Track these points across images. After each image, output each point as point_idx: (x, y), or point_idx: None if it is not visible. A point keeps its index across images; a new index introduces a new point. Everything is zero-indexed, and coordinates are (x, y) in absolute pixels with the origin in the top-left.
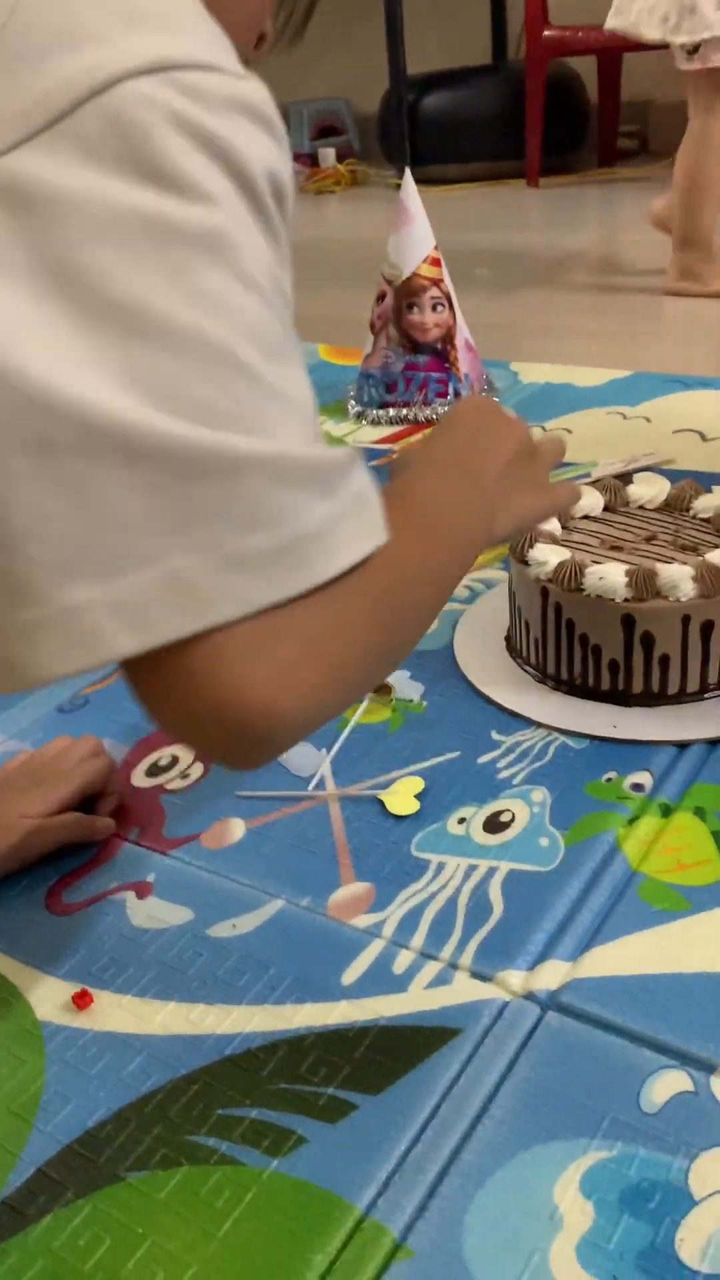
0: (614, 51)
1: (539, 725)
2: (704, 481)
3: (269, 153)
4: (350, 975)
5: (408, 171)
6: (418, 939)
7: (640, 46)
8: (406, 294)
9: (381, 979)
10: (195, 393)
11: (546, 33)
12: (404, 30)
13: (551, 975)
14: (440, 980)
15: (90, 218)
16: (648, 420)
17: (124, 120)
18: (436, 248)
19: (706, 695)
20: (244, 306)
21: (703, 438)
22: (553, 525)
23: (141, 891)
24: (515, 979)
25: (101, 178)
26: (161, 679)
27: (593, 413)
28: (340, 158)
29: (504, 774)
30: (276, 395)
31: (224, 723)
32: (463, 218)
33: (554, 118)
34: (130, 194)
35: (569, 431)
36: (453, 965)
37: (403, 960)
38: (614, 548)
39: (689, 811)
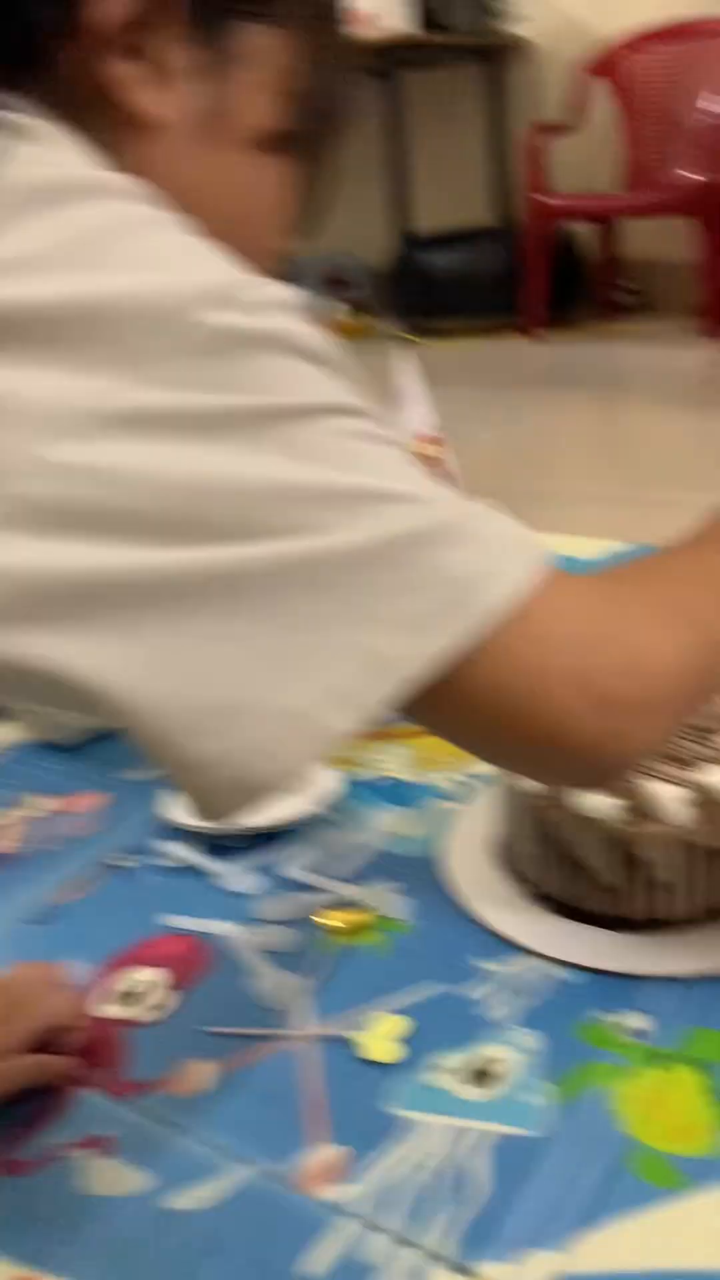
0: (618, 214)
1: (530, 953)
2: None
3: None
4: (318, 1263)
5: (406, 358)
6: (395, 1220)
7: (647, 210)
8: None
9: (351, 1271)
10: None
11: (550, 200)
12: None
13: (539, 1270)
14: (414, 1276)
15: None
16: None
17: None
18: (439, 429)
19: (710, 922)
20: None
21: None
22: None
23: (99, 1148)
24: (499, 1274)
25: None
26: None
27: None
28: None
29: (494, 1013)
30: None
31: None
32: (465, 373)
33: (554, 275)
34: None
35: None
36: (434, 1256)
37: (376, 1248)
38: None
39: (687, 1064)
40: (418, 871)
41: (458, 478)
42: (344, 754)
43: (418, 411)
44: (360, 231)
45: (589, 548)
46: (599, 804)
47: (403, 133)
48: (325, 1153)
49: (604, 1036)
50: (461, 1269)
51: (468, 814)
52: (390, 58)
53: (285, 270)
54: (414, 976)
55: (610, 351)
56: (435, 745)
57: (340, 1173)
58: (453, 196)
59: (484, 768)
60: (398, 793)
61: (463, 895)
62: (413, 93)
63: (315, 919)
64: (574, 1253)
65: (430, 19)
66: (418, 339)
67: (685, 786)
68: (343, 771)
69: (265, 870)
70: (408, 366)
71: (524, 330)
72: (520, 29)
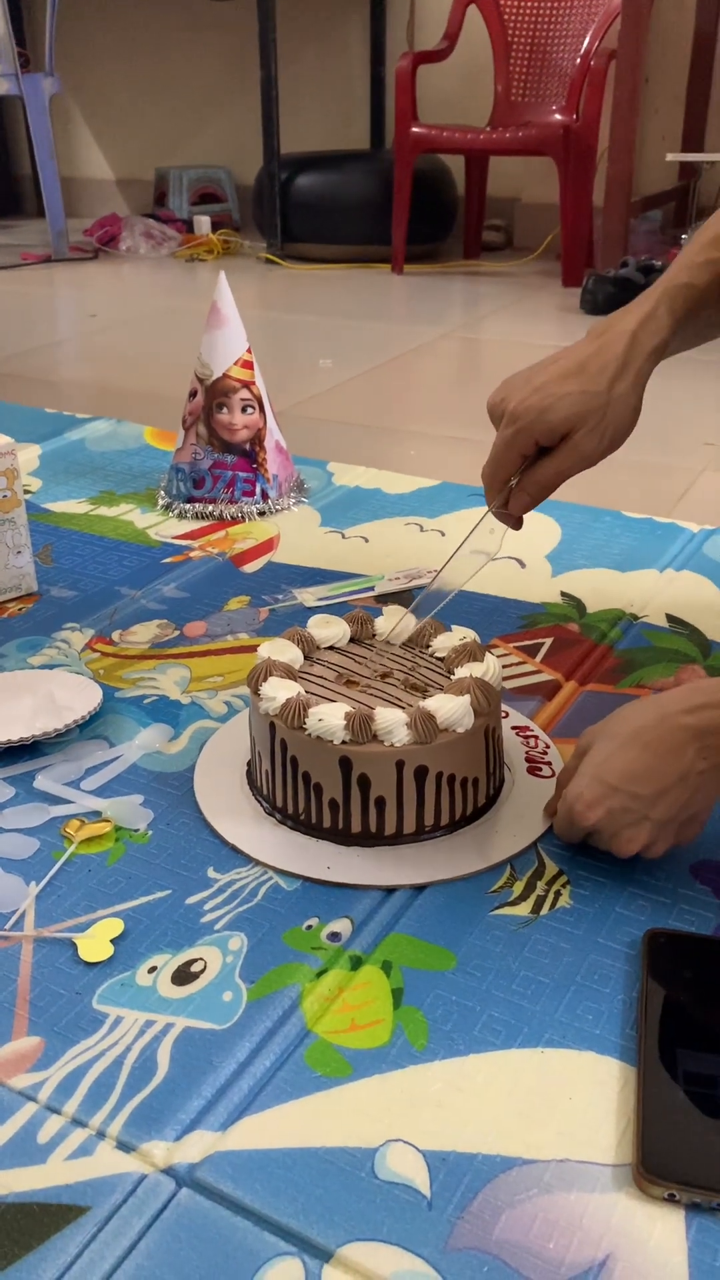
0: (480, 151)
1: (255, 862)
2: (476, 603)
3: None
4: None
5: (222, 276)
6: (72, 1104)
7: (507, 148)
8: (216, 394)
9: (22, 1149)
10: None
11: (414, 129)
12: (280, 110)
13: (196, 1147)
14: (83, 1151)
15: None
16: (442, 534)
17: None
18: (249, 350)
19: (423, 837)
20: None
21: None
22: (294, 656)
23: None
24: (159, 1150)
25: None
26: None
27: (393, 522)
28: (217, 226)
29: (209, 917)
30: None
31: None
32: (324, 300)
33: (423, 209)
34: None
35: (365, 540)
36: (100, 1134)
37: (50, 1127)
38: (349, 683)
39: (377, 965)
40: (168, 786)
41: (266, 399)
42: (114, 671)
43: (232, 331)
44: (236, 148)
45: (401, 483)
46: (328, 726)
47: (273, 50)
48: (21, 1043)
49: (303, 939)
50: (125, 1146)
51: (222, 733)
52: None
53: (157, 180)
54: (143, 884)
55: (472, 286)
56: (207, 665)
57: (32, 1061)
58: (332, 119)
59: (245, 689)
60: (163, 711)
61: (203, 809)
62: (291, 9)
63: (60, 829)
64: (231, 1133)
65: None
66: (279, 260)
67: (406, 710)
68: (110, 687)
69: (16, 781)
70: (224, 289)
71: (390, 260)
72: None
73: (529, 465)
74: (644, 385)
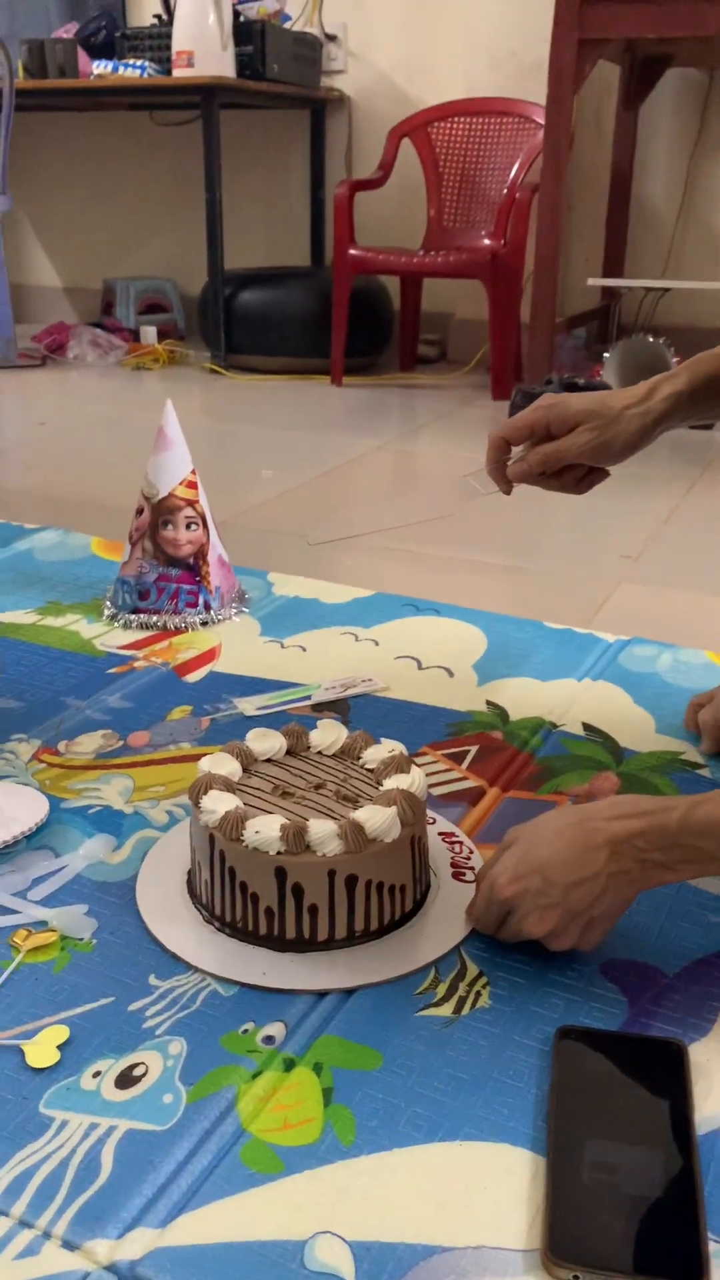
0: (414, 273)
1: (195, 969)
2: (407, 711)
3: None
4: None
5: (169, 403)
6: (19, 1206)
7: (439, 271)
8: (162, 511)
9: None
10: None
11: (352, 251)
12: (224, 227)
13: (137, 1244)
14: (29, 1251)
15: None
16: (376, 643)
17: None
18: (194, 471)
19: (354, 942)
20: None
21: (419, 665)
22: (233, 769)
23: None
24: (102, 1248)
25: None
26: None
27: (330, 631)
28: (163, 335)
29: (150, 1023)
30: None
31: None
32: (266, 411)
33: (361, 324)
34: None
35: (303, 649)
36: (46, 1234)
37: None
38: (285, 794)
39: (309, 1066)
40: (111, 895)
41: (208, 517)
42: (60, 782)
43: (178, 454)
44: (181, 261)
45: (338, 593)
46: (264, 837)
47: (218, 171)
48: None
49: (240, 1043)
50: (69, 1245)
51: (164, 842)
52: (211, 99)
53: (105, 290)
54: (88, 991)
55: (407, 399)
56: (151, 775)
57: None
58: (274, 237)
59: (187, 799)
60: (107, 821)
61: (145, 917)
62: (237, 135)
63: (8, 939)
64: (170, 1229)
65: (249, 66)
66: (223, 371)
67: (337, 821)
68: (56, 798)
69: None
70: (170, 415)
71: (330, 372)
72: (339, 84)
73: (536, 443)
74: (655, 421)
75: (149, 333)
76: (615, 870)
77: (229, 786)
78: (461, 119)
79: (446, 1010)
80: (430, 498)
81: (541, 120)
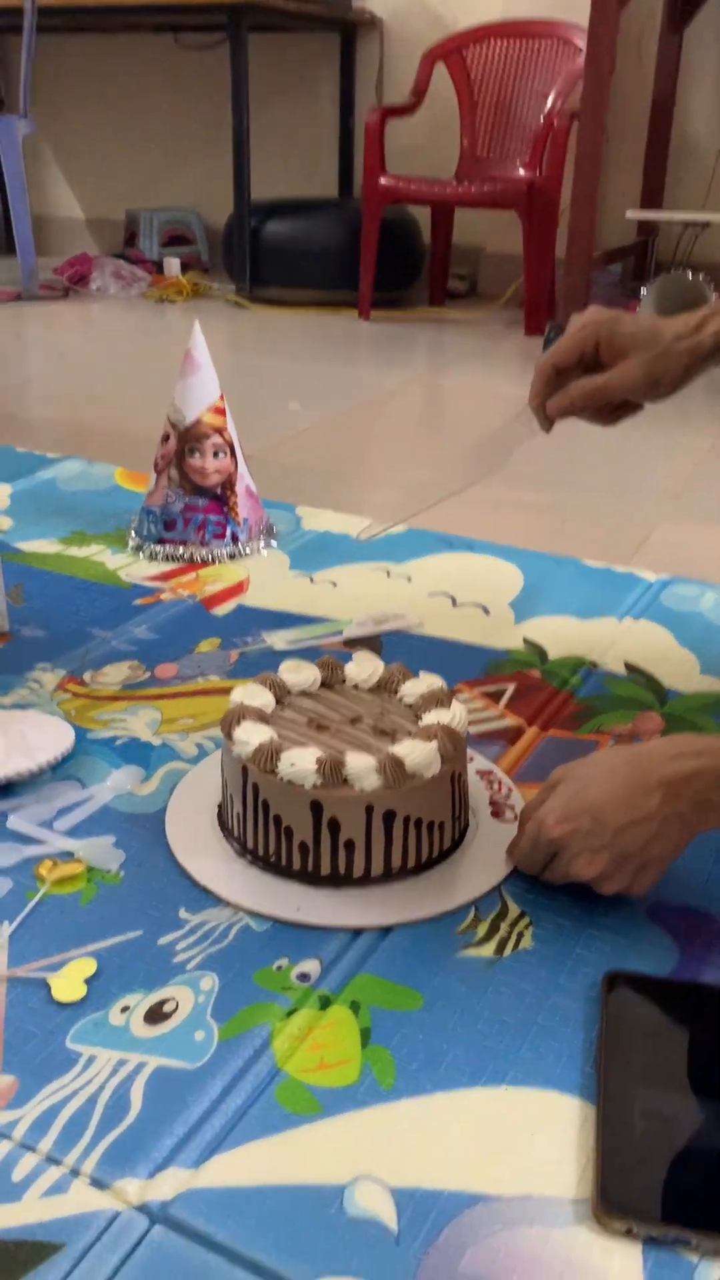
0: (446, 203)
1: (227, 904)
2: (442, 648)
3: None
4: None
5: (196, 325)
6: (46, 1142)
7: (473, 201)
8: (189, 439)
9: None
10: None
11: (382, 181)
12: (251, 156)
13: (169, 1185)
14: (57, 1188)
15: None
16: (409, 579)
17: None
18: (222, 397)
19: (391, 879)
20: None
21: (453, 602)
22: (266, 700)
23: None
24: (133, 1188)
25: None
26: None
27: (361, 567)
28: (186, 268)
29: (180, 957)
30: None
31: None
32: (292, 344)
33: (390, 256)
34: None
35: (334, 584)
36: (74, 1172)
37: (25, 1165)
38: (320, 728)
39: (345, 1005)
40: (140, 827)
41: (237, 445)
42: (86, 712)
43: (206, 378)
44: (206, 192)
45: (354, 526)
46: (300, 770)
47: (246, 97)
48: None
49: (274, 979)
50: (99, 1183)
51: (194, 775)
52: (239, 20)
53: (128, 221)
54: (116, 924)
55: (437, 333)
56: (178, 707)
57: (7, 1099)
58: (302, 167)
59: (217, 731)
60: (134, 752)
61: (175, 850)
62: (264, 60)
63: (33, 870)
64: (203, 1170)
65: None
66: (248, 303)
67: (375, 755)
68: (82, 728)
69: None
70: (199, 338)
71: (357, 306)
72: (371, 5)
73: (578, 377)
74: (701, 357)
75: (173, 264)
76: (670, 813)
77: (263, 718)
78: (498, 41)
79: (488, 951)
80: (466, 456)
81: (582, 43)
